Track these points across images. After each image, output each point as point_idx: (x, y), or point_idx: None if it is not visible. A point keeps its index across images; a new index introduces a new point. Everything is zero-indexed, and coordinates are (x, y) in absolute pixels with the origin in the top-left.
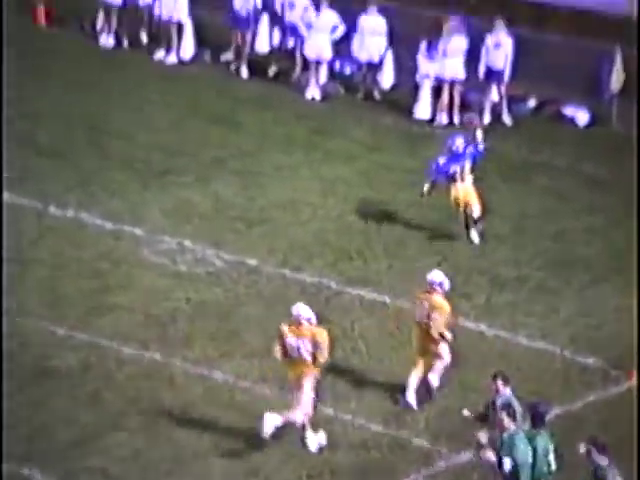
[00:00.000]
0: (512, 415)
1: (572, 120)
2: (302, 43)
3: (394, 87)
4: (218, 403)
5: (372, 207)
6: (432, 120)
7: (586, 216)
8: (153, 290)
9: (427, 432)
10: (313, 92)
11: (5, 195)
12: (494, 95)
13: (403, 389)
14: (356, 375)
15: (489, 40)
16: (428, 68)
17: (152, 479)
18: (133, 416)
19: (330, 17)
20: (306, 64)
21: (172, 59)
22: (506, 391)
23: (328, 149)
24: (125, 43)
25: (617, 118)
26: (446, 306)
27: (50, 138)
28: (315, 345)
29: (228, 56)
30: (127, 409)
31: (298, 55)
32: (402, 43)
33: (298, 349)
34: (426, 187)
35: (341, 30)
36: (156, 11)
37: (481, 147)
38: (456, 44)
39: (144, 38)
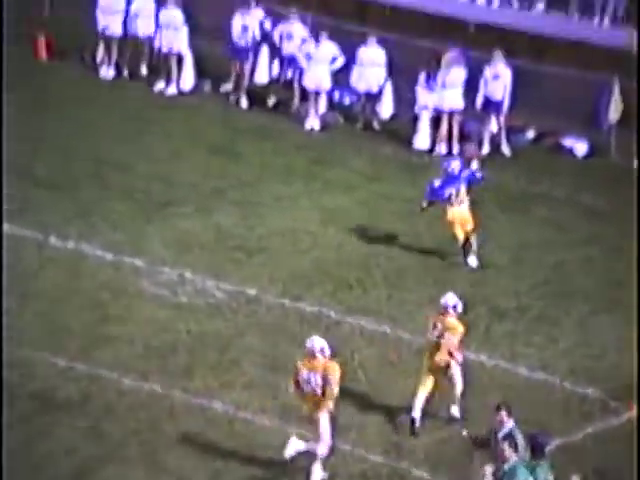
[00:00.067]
0: (514, 446)
1: (571, 151)
2: (301, 74)
3: (393, 117)
4: (218, 434)
5: (372, 237)
6: (431, 150)
7: (585, 246)
8: (153, 321)
9: (427, 462)
10: (312, 122)
11: (5, 226)
12: (493, 126)
13: (404, 419)
14: (356, 405)
15: (488, 71)
16: (427, 99)
17: None
18: (133, 447)
19: (330, 48)
20: (305, 94)
21: (172, 90)
22: (509, 423)
23: (328, 179)
24: (125, 74)
25: (615, 149)
26: (460, 327)
27: (50, 169)
28: (325, 379)
29: (228, 87)
30: (127, 440)
31: (297, 85)
32: (401, 74)
33: (309, 382)
34: (424, 204)
35: (340, 61)
36: (156, 43)
37: (479, 174)
38: (455, 75)
39: (144, 69)
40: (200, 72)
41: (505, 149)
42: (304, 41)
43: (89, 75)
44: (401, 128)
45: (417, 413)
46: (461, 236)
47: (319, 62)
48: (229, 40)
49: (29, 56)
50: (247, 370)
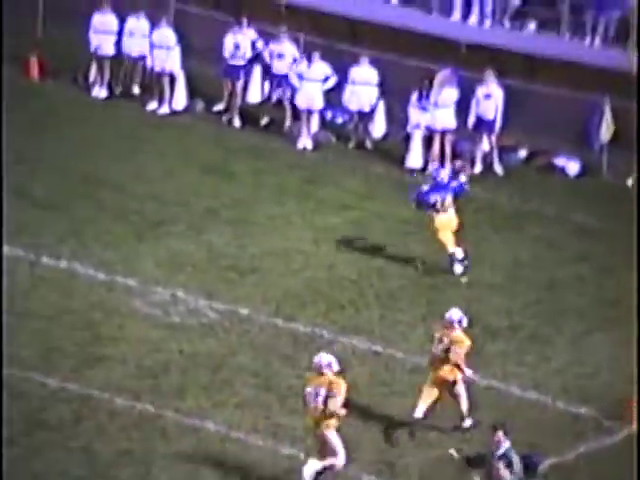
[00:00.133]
0: (509, 467)
1: (563, 170)
2: (293, 93)
3: (385, 137)
4: (211, 453)
5: (364, 256)
6: (424, 169)
7: (577, 265)
8: (145, 341)
9: None
10: (305, 142)
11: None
12: (485, 145)
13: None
14: (348, 424)
15: (480, 91)
16: (419, 118)
17: None
18: (125, 467)
19: (322, 68)
20: (297, 114)
21: (165, 110)
22: (506, 443)
23: (320, 198)
24: (118, 94)
25: (607, 168)
26: (467, 340)
27: (41, 189)
28: (329, 394)
29: (220, 106)
30: (119, 460)
31: (288, 105)
32: (393, 94)
33: (314, 397)
34: (412, 205)
35: (333, 81)
36: (149, 63)
37: (467, 186)
38: (447, 95)
39: (136, 89)
40: (192, 92)
41: (497, 168)
42: (295, 60)
43: (82, 95)
44: (393, 147)
45: (420, 413)
46: (449, 241)
47: (311, 81)
48: (221, 60)
49: (21, 77)
50: (239, 390)
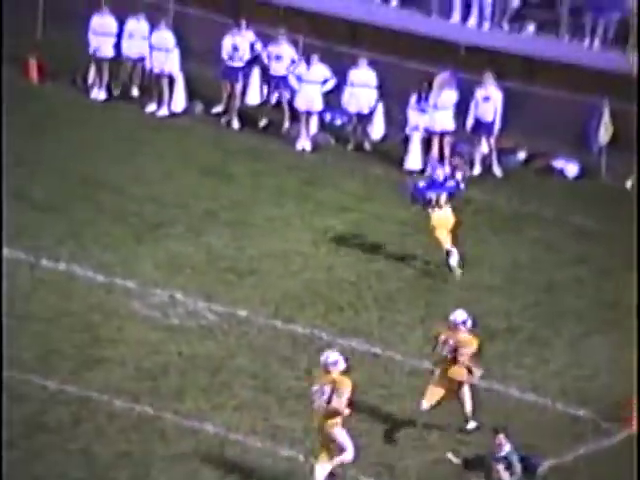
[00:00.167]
0: (509, 469)
1: (562, 172)
2: (292, 95)
3: (384, 138)
4: (209, 455)
5: (363, 258)
6: (423, 171)
7: (575, 267)
8: (144, 343)
9: None
10: (304, 143)
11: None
12: (484, 147)
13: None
14: (347, 426)
15: (478, 93)
16: (418, 120)
17: None
18: (124, 469)
19: (321, 70)
20: (296, 115)
21: (163, 112)
22: (507, 446)
23: (319, 200)
24: (117, 96)
25: (606, 171)
26: (474, 341)
27: (40, 191)
28: (334, 392)
29: (219, 108)
30: (118, 462)
31: (287, 106)
32: (392, 96)
33: (319, 395)
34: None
35: (332, 83)
36: (147, 64)
37: (462, 185)
38: (446, 97)
39: (135, 91)
40: (191, 94)
41: (496, 170)
42: (293, 62)
43: (81, 97)
44: (392, 149)
45: (426, 406)
46: (446, 239)
47: (310, 83)
48: (220, 62)
49: (20, 78)
50: (238, 392)
